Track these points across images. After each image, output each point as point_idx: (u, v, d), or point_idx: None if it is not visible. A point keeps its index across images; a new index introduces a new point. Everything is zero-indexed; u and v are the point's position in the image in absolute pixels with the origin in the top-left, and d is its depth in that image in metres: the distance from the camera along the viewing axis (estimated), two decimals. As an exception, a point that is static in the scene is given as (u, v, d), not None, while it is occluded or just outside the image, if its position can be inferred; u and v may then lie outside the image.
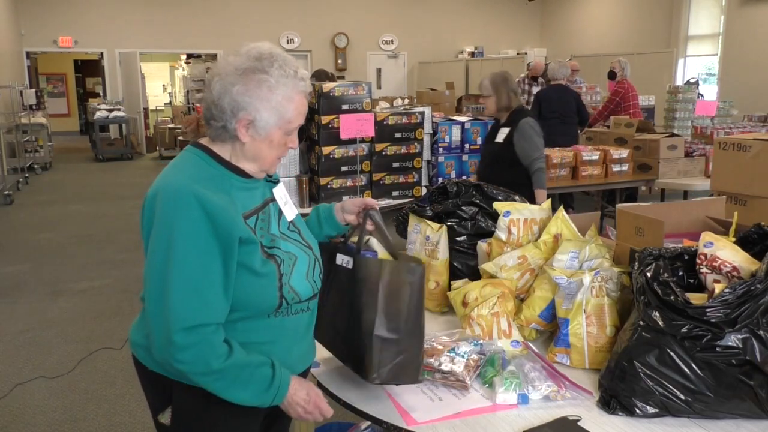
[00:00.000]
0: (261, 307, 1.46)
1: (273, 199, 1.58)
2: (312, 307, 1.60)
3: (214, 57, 15.08)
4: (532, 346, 1.83)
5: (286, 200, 1.62)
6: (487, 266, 2.01)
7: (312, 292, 1.56)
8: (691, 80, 9.75)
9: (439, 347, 1.76)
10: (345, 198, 4.34)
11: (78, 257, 6.16)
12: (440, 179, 4.86)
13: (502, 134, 3.95)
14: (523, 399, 1.57)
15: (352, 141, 4.26)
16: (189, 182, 1.40)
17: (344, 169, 4.34)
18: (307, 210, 4.30)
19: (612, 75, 7.72)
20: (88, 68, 18.67)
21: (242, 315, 1.45)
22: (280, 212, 1.58)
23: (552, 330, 1.91)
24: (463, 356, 1.70)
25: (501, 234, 2.05)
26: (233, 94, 1.42)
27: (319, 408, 1.51)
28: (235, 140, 1.47)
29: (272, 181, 1.61)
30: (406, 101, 8.84)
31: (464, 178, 4.70)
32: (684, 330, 1.44)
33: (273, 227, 1.53)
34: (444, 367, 1.67)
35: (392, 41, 16.73)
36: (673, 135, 5.95)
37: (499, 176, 3.65)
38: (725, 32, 12.23)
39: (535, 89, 9.70)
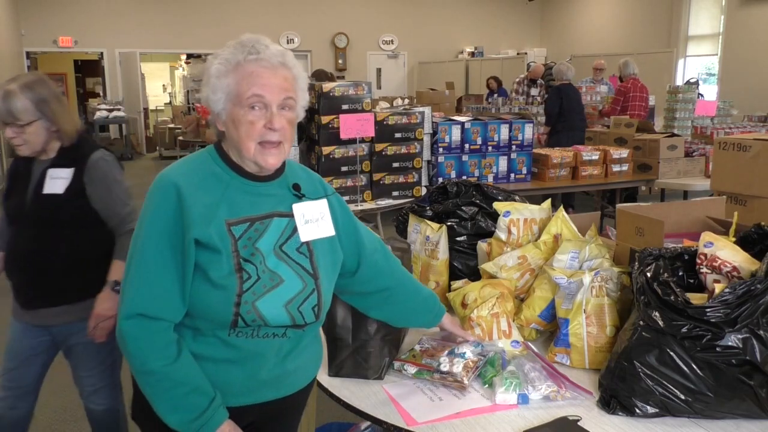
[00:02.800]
0: (213, 318, 1.38)
1: (288, 215, 1.46)
2: (291, 335, 1.46)
3: (214, 57, 15.07)
4: (532, 346, 1.82)
5: (315, 219, 1.49)
6: (487, 266, 2.01)
7: (290, 321, 1.42)
8: (691, 80, 9.76)
9: (439, 348, 1.75)
10: (345, 198, 4.34)
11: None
12: (440, 179, 4.86)
13: (58, 181, 2.24)
14: (523, 399, 1.57)
15: (352, 141, 4.26)
16: (178, 173, 1.40)
17: (344, 169, 4.34)
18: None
19: (621, 79, 7.99)
20: (88, 68, 18.66)
21: (198, 324, 1.40)
22: (294, 230, 1.46)
23: (552, 330, 1.90)
24: (462, 357, 1.69)
25: (501, 234, 2.05)
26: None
27: None
28: (223, 134, 1.46)
29: (298, 195, 1.49)
30: (406, 101, 8.84)
31: (464, 178, 4.70)
32: (684, 330, 1.44)
33: (263, 242, 1.41)
34: (443, 368, 1.66)
35: (392, 41, 16.74)
36: (673, 135, 5.95)
37: (50, 254, 2.22)
38: (725, 32, 12.23)
39: (534, 91, 9.74)
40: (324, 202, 1.53)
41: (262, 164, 1.42)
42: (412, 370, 1.71)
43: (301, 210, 1.48)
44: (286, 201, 1.48)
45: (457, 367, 1.66)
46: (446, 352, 1.72)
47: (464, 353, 1.71)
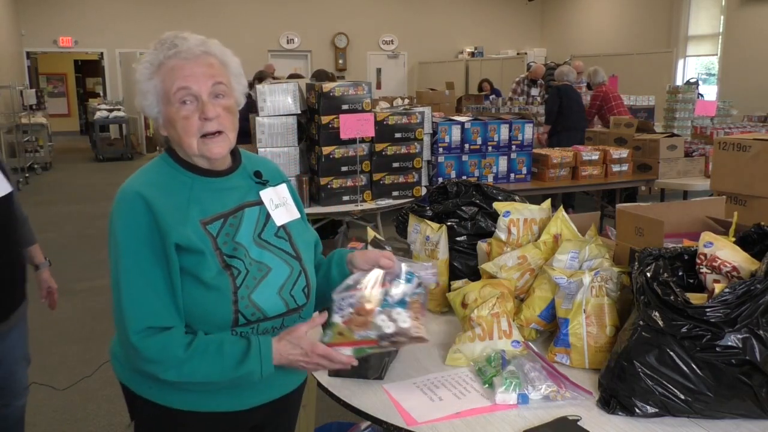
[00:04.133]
0: (213, 321, 1.36)
1: (258, 203, 1.47)
2: (289, 324, 1.44)
3: (214, 57, 15.10)
4: (532, 346, 1.82)
5: (282, 203, 1.51)
6: (487, 266, 2.01)
7: (285, 308, 1.42)
8: (691, 80, 9.76)
9: (368, 305, 1.41)
10: (345, 198, 4.34)
11: (78, 257, 6.16)
12: (440, 179, 4.86)
13: None
14: (523, 399, 1.57)
15: (352, 141, 4.26)
16: (138, 184, 1.37)
17: (344, 169, 4.34)
18: (307, 210, 4.30)
19: (590, 86, 8.14)
20: (88, 68, 18.67)
21: (199, 330, 1.37)
22: (268, 217, 1.47)
23: (552, 330, 1.90)
24: (401, 305, 1.40)
25: (501, 234, 2.05)
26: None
27: (326, 356, 1.36)
28: (168, 139, 1.43)
29: (261, 182, 1.50)
30: (406, 101, 8.84)
31: (464, 178, 4.71)
32: (684, 330, 1.44)
33: (241, 234, 1.41)
34: (387, 330, 1.37)
35: (392, 41, 16.74)
36: (673, 135, 5.95)
37: None
38: (725, 32, 12.24)
39: (534, 91, 9.75)
40: (284, 186, 1.54)
41: (208, 155, 1.39)
42: (347, 351, 1.41)
43: (269, 195, 1.48)
44: (252, 190, 1.47)
45: (404, 322, 1.37)
46: (377, 309, 1.39)
47: (401, 299, 1.39)
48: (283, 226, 1.49)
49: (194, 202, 1.38)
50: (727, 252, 1.58)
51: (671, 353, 1.46)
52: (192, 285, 1.34)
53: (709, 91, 11.93)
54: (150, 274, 1.32)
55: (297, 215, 1.54)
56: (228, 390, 1.41)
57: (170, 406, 1.41)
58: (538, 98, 9.58)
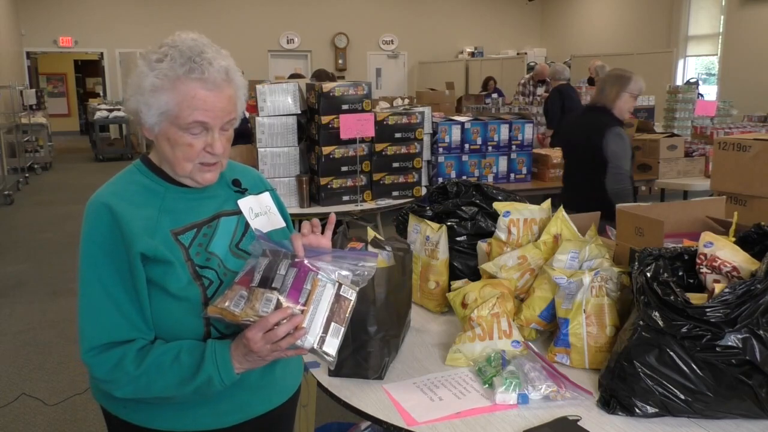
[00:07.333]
0: (185, 334, 1.31)
1: (236, 212, 1.43)
2: None
3: (214, 57, 15.11)
4: (532, 346, 1.83)
5: (263, 212, 1.47)
6: (487, 266, 2.01)
7: None
8: (691, 80, 9.76)
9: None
10: (345, 198, 4.34)
11: (78, 257, 6.15)
12: (440, 179, 4.86)
13: None
14: (523, 399, 1.57)
15: (352, 141, 4.26)
16: (107, 194, 1.33)
17: (344, 169, 4.34)
18: (307, 210, 4.30)
19: (592, 81, 8.01)
20: (88, 68, 18.68)
21: (158, 341, 1.32)
22: (247, 226, 1.42)
23: (552, 330, 1.90)
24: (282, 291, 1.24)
25: (501, 234, 2.05)
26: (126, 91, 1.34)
27: (276, 342, 1.21)
28: (153, 143, 1.36)
29: (240, 191, 1.45)
30: (406, 101, 8.84)
31: (464, 178, 4.70)
32: (684, 330, 1.44)
33: (216, 245, 1.36)
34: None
35: (392, 41, 16.75)
36: (673, 135, 5.95)
37: None
38: (725, 32, 12.24)
39: (540, 90, 9.75)
40: (267, 195, 1.50)
41: (199, 181, 1.36)
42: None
43: (247, 204, 1.44)
44: (229, 199, 1.43)
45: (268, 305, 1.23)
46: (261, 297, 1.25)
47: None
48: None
49: (166, 212, 1.34)
50: (727, 252, 1.58)
51: (671, 353, 1.46)
52: (160, 297, 1.30)
53: (709, 91, 11.93)
54: (111, 286, 1.29)
55: (281, 224, 1.49)
56: (206, 406, 1.36)
57: (146, 426, 1.37)
58: (538, 98, 9.58)
